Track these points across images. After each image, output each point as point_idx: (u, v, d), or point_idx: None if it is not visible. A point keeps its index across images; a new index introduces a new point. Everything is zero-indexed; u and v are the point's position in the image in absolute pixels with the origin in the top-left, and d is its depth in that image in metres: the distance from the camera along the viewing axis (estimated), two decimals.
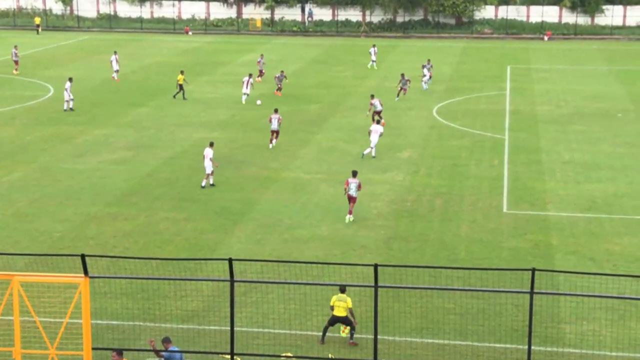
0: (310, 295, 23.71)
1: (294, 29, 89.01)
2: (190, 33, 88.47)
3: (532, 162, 39.08)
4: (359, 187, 30.86)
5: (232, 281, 19.99)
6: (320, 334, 21.79)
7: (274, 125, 40.97)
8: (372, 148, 39.20)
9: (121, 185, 35.38)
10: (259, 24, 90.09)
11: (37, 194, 34.18)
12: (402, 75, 53.92)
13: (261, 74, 60.02)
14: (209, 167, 34.61)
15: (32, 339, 20.22)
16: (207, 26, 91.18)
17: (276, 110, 42.10)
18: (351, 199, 30.87)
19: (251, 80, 51.48)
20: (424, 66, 57.19)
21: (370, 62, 65.99)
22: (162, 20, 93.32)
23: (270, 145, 41.15)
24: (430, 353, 21.25)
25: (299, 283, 22.83)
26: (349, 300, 21.26)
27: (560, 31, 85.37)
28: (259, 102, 46.52)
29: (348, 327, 21.54)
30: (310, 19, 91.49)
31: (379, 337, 20.54)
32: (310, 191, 34.74)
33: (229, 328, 20.57)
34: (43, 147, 41.53)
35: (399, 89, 53.21)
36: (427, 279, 24.46)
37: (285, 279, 24.24)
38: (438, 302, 23.65)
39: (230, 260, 19.88)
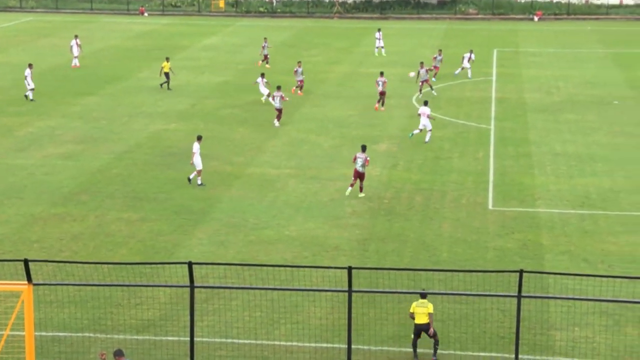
0: (278, 301, 23.80)
1: (261, 9, 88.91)
2: (145, 14, 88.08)
3: (520, 154, 39.39)
4: (366, 162, 32.90)
5: (192, 287, 20.01)
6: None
7: (277, 104, 43.47)
8: (426, 130, 40.98)
9: (69, 182, 35.22)
10: (221, 5, 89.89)
11: None
12: (422, 64, 50.68)
13: (266, 59, 59.96)
14: (198, 163, 34.53)
15: None
16: (165, 6, 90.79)
17: (279, 88, 44.05)
18: (356, 174, 33.14)
19: (264, 79, 48.69)
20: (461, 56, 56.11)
21: (376, 48, 65.21)
22: (115, 0, 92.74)
23: (276, 123, 43.82)
24: None
25: (266, 288, 22.94)
26: (430, 305, 21.35)
27: (551, 11, 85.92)
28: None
29: None
30: None
31: (352, 346, 20.67)
32: (278, 188, 34.81)
33: (188, 339, 20.61)
34: None
35: (420, 82, 50.03)
36: (406, 282, 24.59)
37: (250, 283, 24.31)
38: None
39: (190, 264, 19.88)
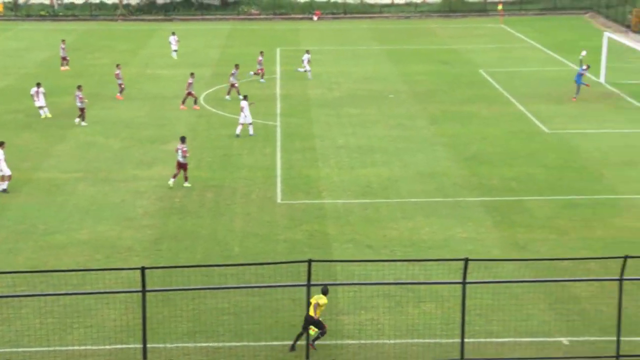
0: (71, 306, 23.18)
1: (42, 13, 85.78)
2: None
3: (306, 148, 40.17)
4: (184, 152, 33.88)
5: None
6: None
7: (78, 103, 43.50)
8: (248, 124, 42.02)
9: None
10: (0, 8, 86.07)
11: None
12: (237, 66, 50.33)
13: (65, 61, 57.91)
14: (6, 169, 33.44)
15: None
16: None
17: (79, 87, 43.70)
18: (178, 165, 34.11)
19: (42, 89, 44.88)
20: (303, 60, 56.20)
21: (174, 51, 63.57)
22: None
23: (77, 121, 43.74)
24: (204, 358, 21.41)
25: (57, 294, 22.30)
26: (326, 301, 21.34)
27: (329, 10, 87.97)
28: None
29: (316, 330, 21.31)
30: (60, 1, 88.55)
31: (148, 345, 20.49)
32: (67, 192, 33.85)
33: None
34: None
35: (230, 84, 49.60)
36: (200, 278, 24.57)
37: (41, 290, 23.53)
38: (211, 303, 23.82)
39: None
